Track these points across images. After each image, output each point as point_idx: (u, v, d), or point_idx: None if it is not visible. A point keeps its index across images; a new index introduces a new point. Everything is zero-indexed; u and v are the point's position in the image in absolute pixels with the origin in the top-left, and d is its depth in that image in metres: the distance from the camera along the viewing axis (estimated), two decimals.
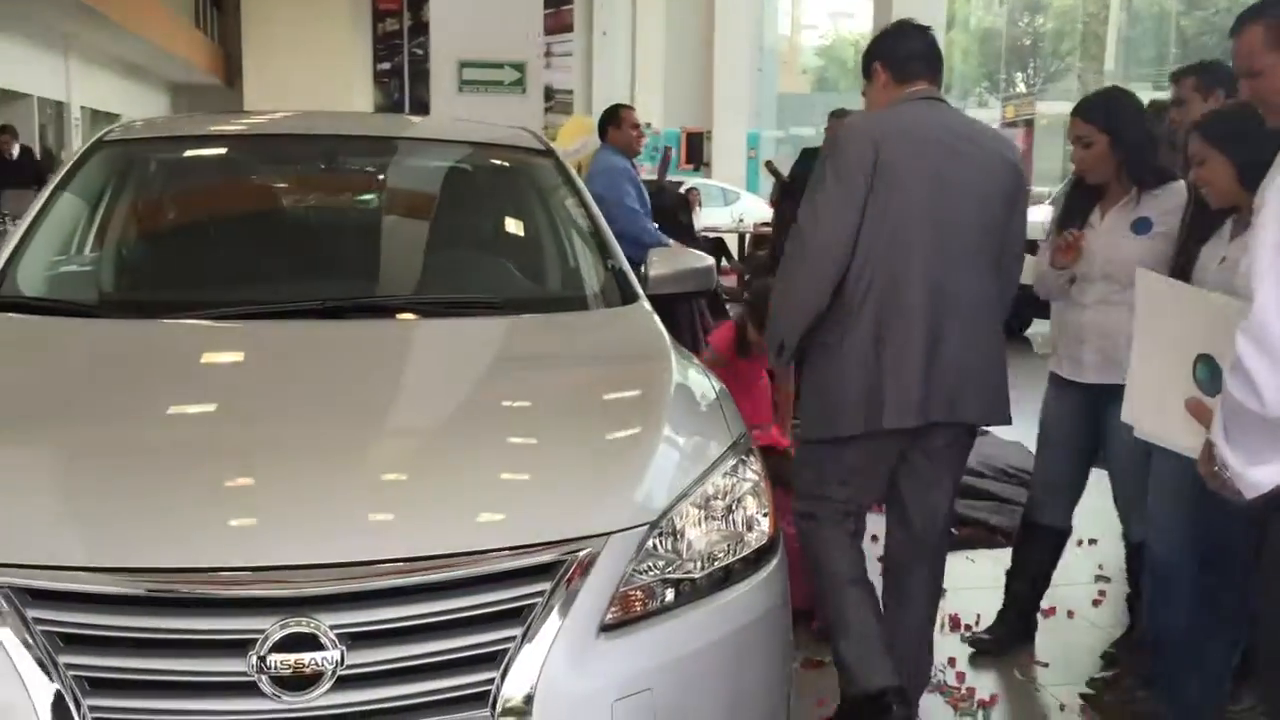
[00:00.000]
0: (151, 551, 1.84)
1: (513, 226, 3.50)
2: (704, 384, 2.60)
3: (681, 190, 13.84)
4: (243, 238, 3.25)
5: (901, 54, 3.09)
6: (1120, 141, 3.40)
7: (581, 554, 1.97)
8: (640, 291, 3.06)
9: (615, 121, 6.39)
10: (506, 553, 1.92)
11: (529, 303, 3.02)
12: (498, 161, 3.64)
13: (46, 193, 3.11)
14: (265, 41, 27.43)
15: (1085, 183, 3.55)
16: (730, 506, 2.26)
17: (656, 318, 2.93)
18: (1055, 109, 27.16)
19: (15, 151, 12.07)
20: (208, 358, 2.61)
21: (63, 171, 3.24)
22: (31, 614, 1.77)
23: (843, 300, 2.90)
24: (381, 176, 3.62)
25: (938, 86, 3.11)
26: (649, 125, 25.62)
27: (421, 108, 26.12)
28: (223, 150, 3.51)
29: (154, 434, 2.20)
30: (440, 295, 2.97)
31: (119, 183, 3.30)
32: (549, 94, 30.88)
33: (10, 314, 2.70)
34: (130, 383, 2.41)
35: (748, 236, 15.73)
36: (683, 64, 24.10)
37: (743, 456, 2.34)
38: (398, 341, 2.73)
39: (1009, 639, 3.88)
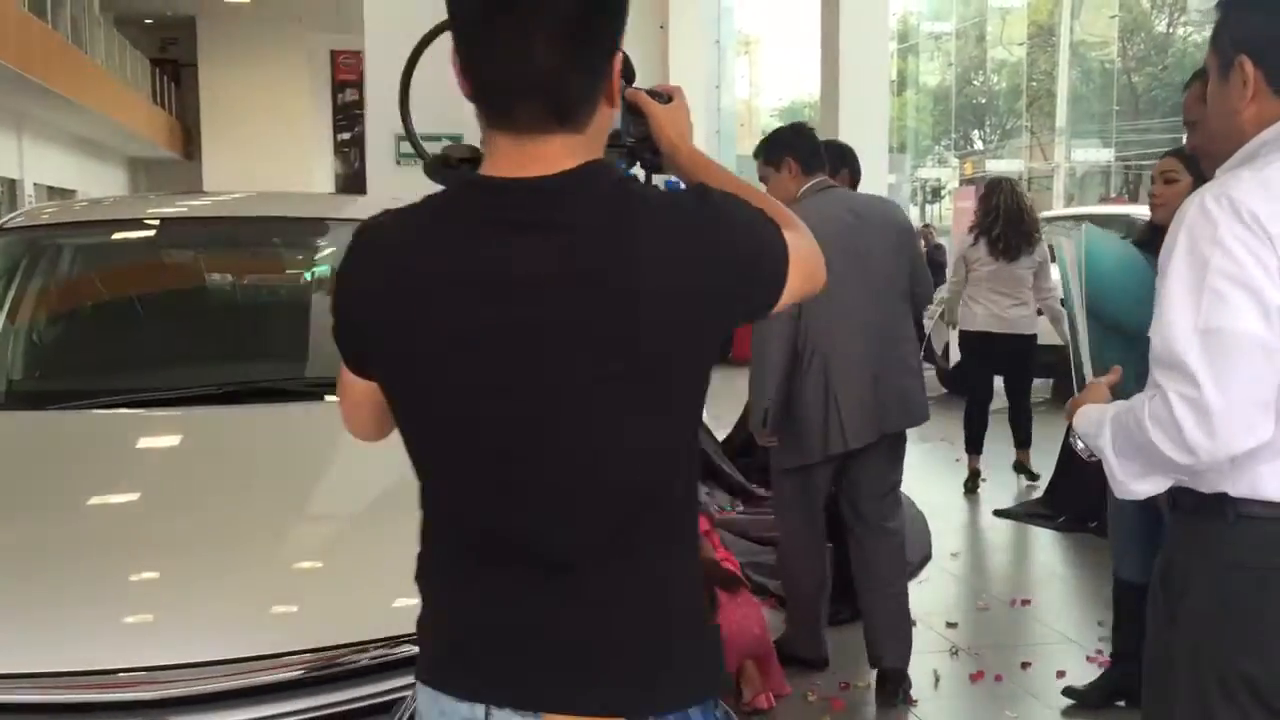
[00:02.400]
0: (31, 656, 1.81)
1: None
2: None
3: None
4: (140, 325, 3.23)
5: (808, 150, 3.74)
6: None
7: None
8: None
9: None
10: (380, 644, 1.89)
11: None
12: None
13: None
14: (223, 115, 27.57)
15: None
16: None
17: None
18: (1004, 166, 28.13)
19: None
20: (101, 449, 2.58)
21: None
22: None
23: (796, 359, 3.61)
24: (274, 259, 3.61)
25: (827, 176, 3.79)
26: None
27: None
28: (125, 235, 3.49)
29: (38, 530, 2.17)
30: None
31: (18, 270, 3.28)
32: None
33: None
34: (19, 477, 2.39)
35: None
36: None
37: None
38: (290, 425, 2.70)
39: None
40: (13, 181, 19.32)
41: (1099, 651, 4.12)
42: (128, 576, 2.03)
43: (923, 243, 13.76)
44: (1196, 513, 1.80)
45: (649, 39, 23.03)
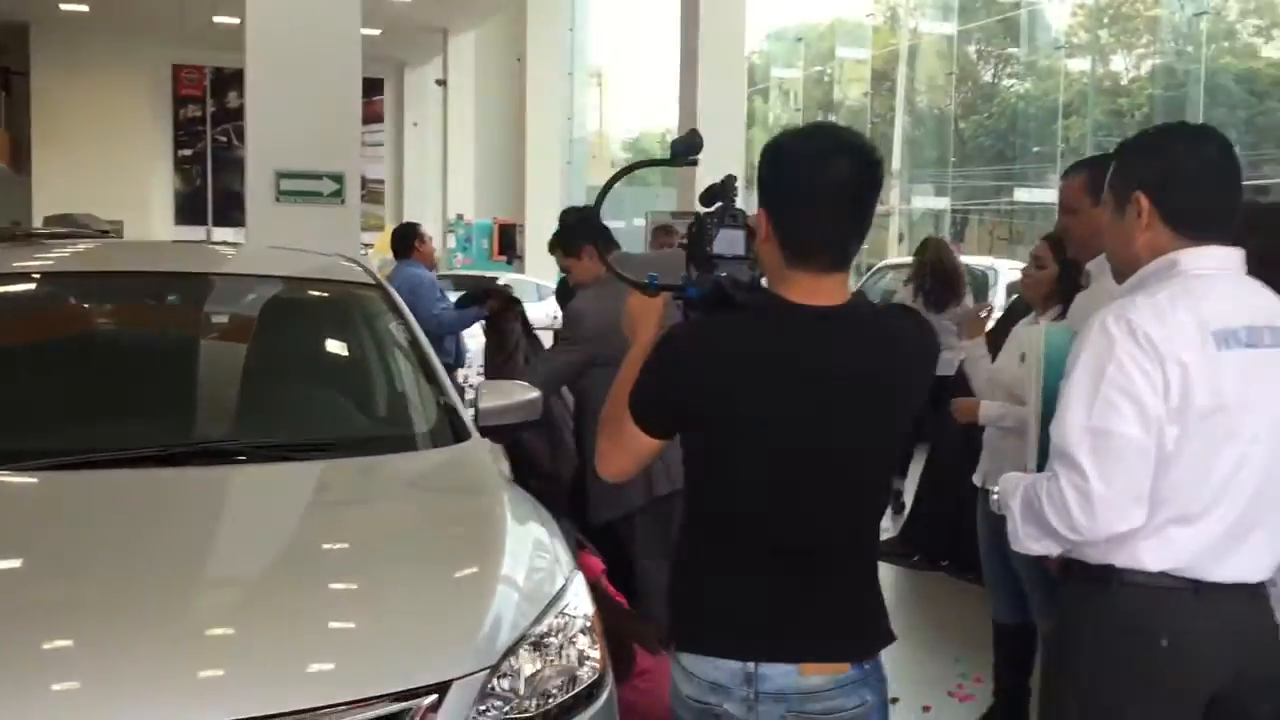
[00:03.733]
0: None
1: (343, 364, 3.58)
2: (538, 522, 2.74)
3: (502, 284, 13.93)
4: (60, 382, 3.20)
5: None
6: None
7: (426, 702, 2.08)
8: (472, 429, 3.18)
9: (419, 238, 6.94)
10: (346, 707, 2.01)
11: (361, 444, 3.09)
12: (324, 295, 3.72)
13: None
14: (57, 125, 26.39)
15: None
16: (563, 645, 2.40)
17: (488, 455, 3.06)
18: None
19: None
20: (24, 513, 2.59)
21: None
22: None
23: None
24: (207, 316, 3.63)
25: None
26: (460, 217, 25.82)
27: (229, 197, 25.58)
28: (35, 288, 3.46)
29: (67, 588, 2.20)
30: (269, 439, 3.01)
31: None
32: (361, 184, 30.85)
33: None
34: (30, 535, 2.41)
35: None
36: (494, 156, 24.43)
37: (575, 594, 2.49)
38: (224, 489, 2.75)
39: None
40: None
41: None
42: (41, 645, 2.06)
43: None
44: (1086, 581, 2.11)
45: (505, 74, 23.19)
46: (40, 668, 1.98)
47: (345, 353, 3.59)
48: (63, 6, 23.55)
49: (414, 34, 25.57)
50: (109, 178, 25.83)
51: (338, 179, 7.14)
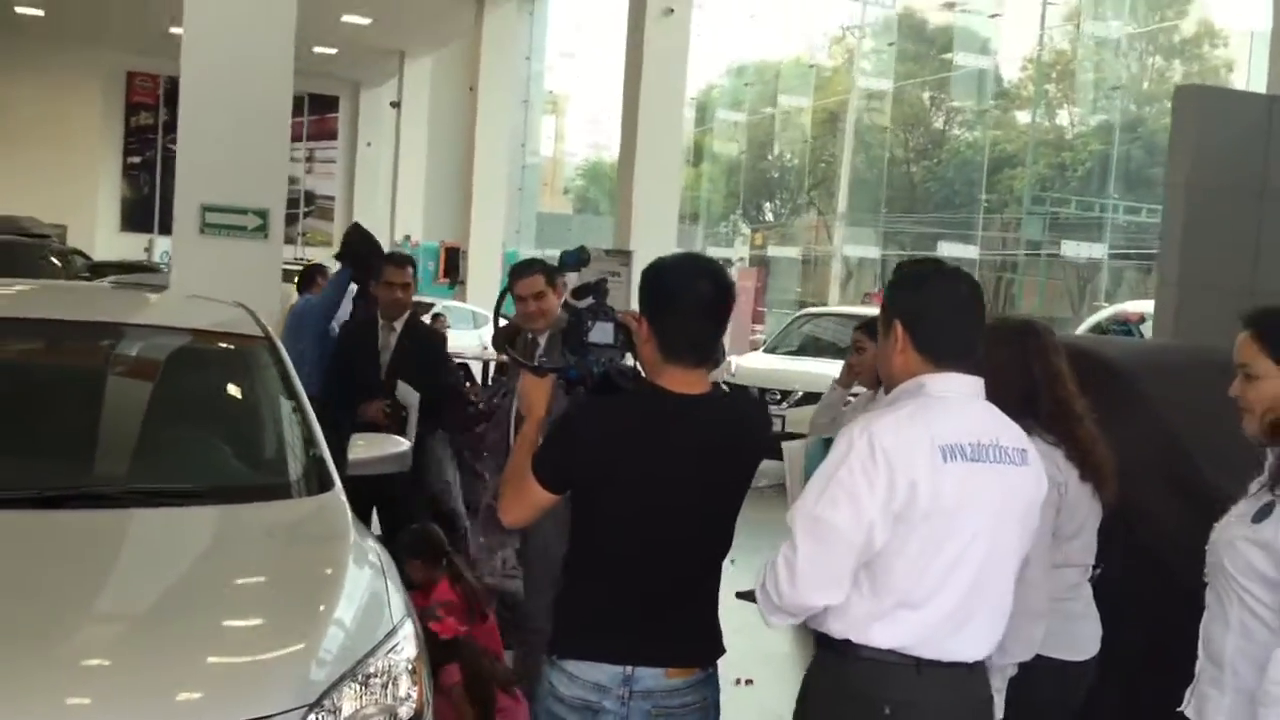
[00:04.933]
0: None
1: (224, 414, 3.80)
2: (375, 571, 2.99)
3: (431, 314, 14.11)
4: None
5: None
6: None
7: None
8: (335, 480, 3.42)
9: (323, 274, 7.37)
10: None
11: (231, 491, 3.30)
12: (215, 346, 3.94)
13: None
14: (5, 129, 26.28)
15: None
16: (386, 684, 2.68)
17: (345, 506, 3.31)
18: (784, 252, 30.23)
19: None
20: None
21: None
22: None
23: None
24: (100, 364, 3.81)
25: None
26: (408, 238, 25.98)
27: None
28: None
29: None
30: (145, 484, 3.22)
31: None
32: (309, 199, 30.95)
33: None
34: None
35: (492, 365, 16.01)
36: (443, 178, 24.62)
37: (401, 639, 2.77)
38: (95, 531, 2.93)
39: None
40: None
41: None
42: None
43: None
44: (827, 650, 2.43)
45: (459, 100, 23.44)
46: None
47: (228, 403, 3.81)
48: (17, 9, 23.52)
49: (371, 55, 25.84)
50: (56, 181, 25.78)
51: (262, 214, 7.37)
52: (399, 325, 5.52)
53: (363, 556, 3.04)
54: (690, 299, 2.56)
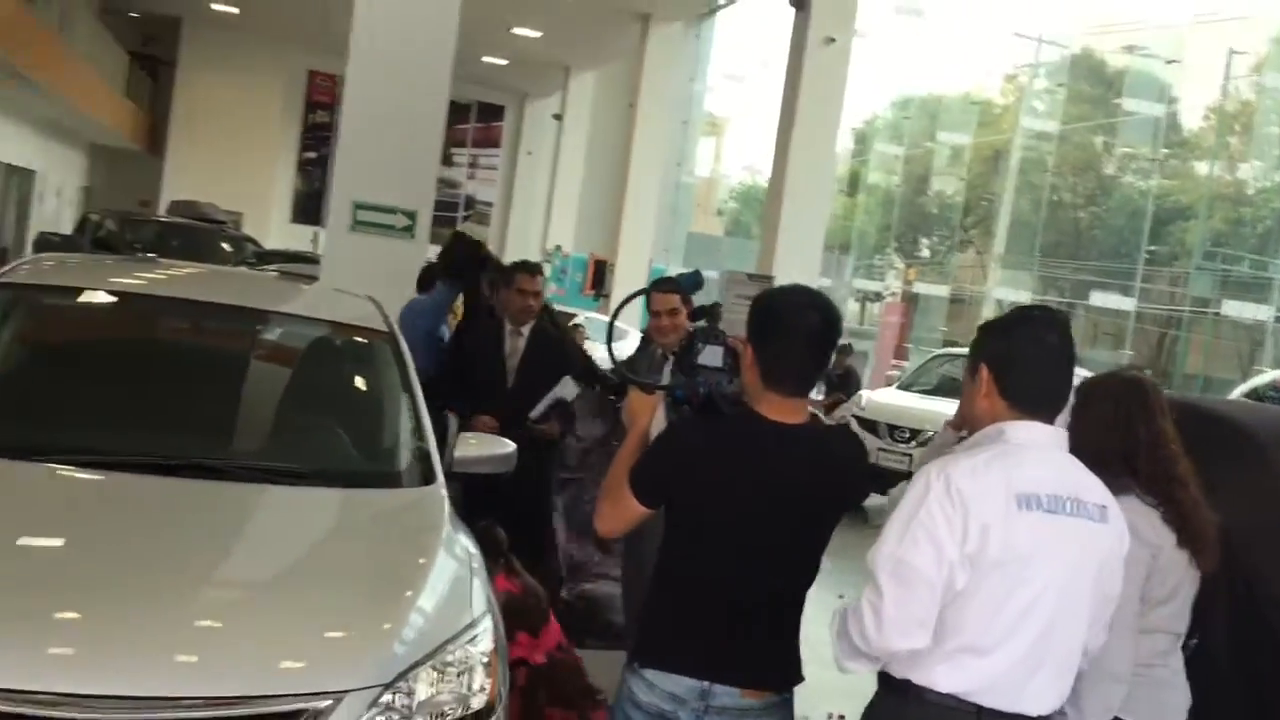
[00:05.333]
0: None
1: (345, 402, 4.00)
2: (460, 565, 3.11)
3: (570, 324, 14.36)
4: (100, 392, 3.66)
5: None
6: None
7: (321, 705, 2.49)
8: (439, 473, 3.57)
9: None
10: (249, 700, 2.41)
11: (340, 475, 3.50)
12: (342, 338, 4.15)
13: None
14: (194, 115, 27.80)
15: None
16: (461, 673, 2.79)
17: (444, 499, 3.44)
18: (931, 289, 29.66)
19: None
20: (53, 502, 3.01)
21: None
22: None
23: None
24: (232, 346, 4.07)
25: None
26: (559, 248, 26.46)
27: None
28: (97, 305, 3.94)
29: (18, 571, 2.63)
30: (260, 462, 3.46)
31: (3, 324, 3.74)
32: (469, 204, 31.84)
33: None
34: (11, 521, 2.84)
35: None
36: (597, 191, 25.01)
37: (480, 632, 2.88)
38: (217, 502, 3.16)
39: None
40: None
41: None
42: (52, 614, 2.50)
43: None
44: (890, 691, 2.43)
45: (619, 116, 23.78)
46: (44, 632, 2.42)
47: (348, 392, 4.01)
48: (214, 5, 24.88)
49: (538, 68, 26.44)
50: (235, 170, 27.11)
51: (411, 215, 7.66)
52: (525, 330, 5.67)
53: (452, 549, 3.16)
54: (795, 329, 2.63)
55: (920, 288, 30.55)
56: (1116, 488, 2.81)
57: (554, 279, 24.79)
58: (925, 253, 37.66)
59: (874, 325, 30.44)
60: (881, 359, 21.14)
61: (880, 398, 12.14)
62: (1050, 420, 2.45)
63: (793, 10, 15.12)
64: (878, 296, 36.35)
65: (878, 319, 29.77)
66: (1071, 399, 2.97)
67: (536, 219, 28.58)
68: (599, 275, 23.87)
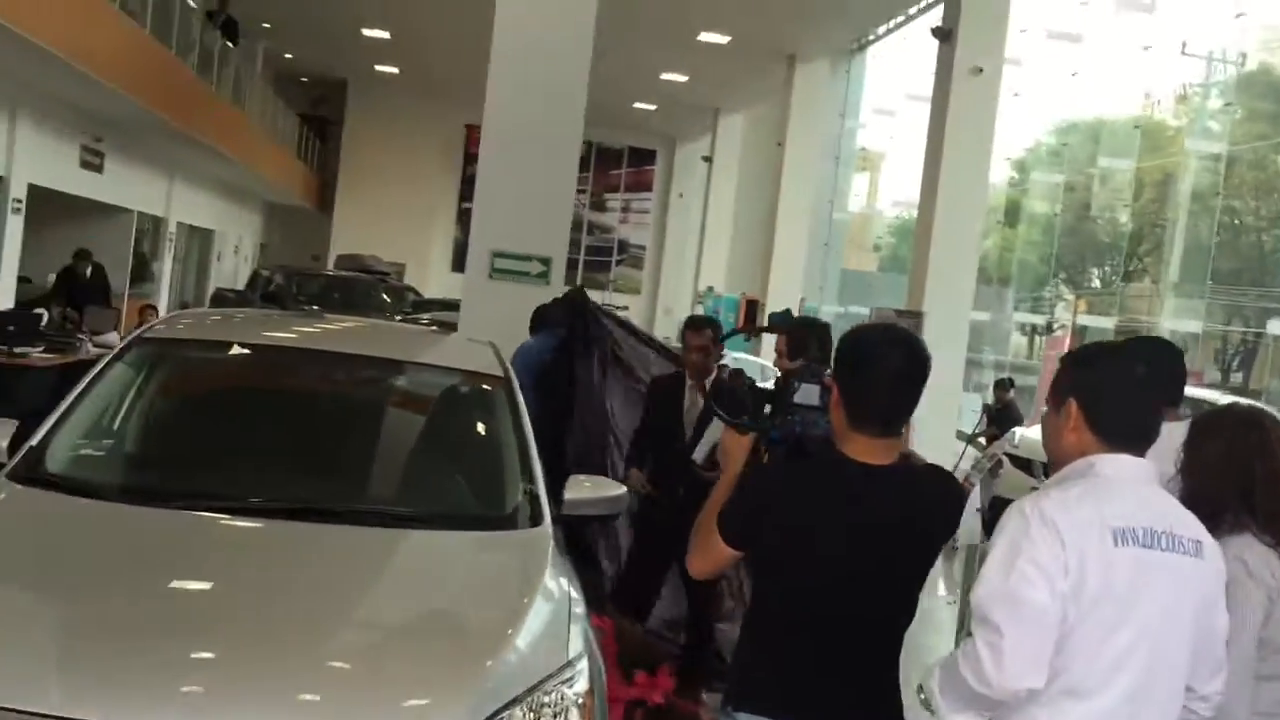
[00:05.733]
0: (102, 706, 2.40)
1: (458, 445, 4.10)
2: (558, 607, 3.13)
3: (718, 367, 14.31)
4: (233, 441, 3.86)
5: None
6: None
7: None
8: (545, 516, 3.62)
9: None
10: None
11: (450, 519, 3.58)
12: (458, 383, 4.28)
13: (86, 380, 3.80)
14: (359, 172, 29.13)
15: None
16: (556, 714, 2.81)
17: (549, 541, 3.49)
18: (1095, 322, 28.38)
19: (88, 271, 13.10)
20: (186, 546, 3.16)
21: (104, 361, 3.93)
22: None
23: None
24: (352, 392, 4.23)
25: None
26: (710, 289, 26.56)
27: None
28: (230, 358, 4.13)
29: (127, 608, 2.78)
30: (378, 507, 3.58)
31: (148, 377, 3.99)
32: (622, 248, 32.29)
33: (37, 489, 3.29)
34: (118, 563, 3.02)
35: None
36: (748, 232, 25.07)
37: (575, 674, 2.90)
38: (342, 546, 3.26)
39: None
40: (158, 220, 20.86)
41: None
42: (188, 654, 2.65)
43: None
44: None
45: (768, 156, 23.82)
46: (172, 673, 2.56)
47: (462, 436, 4.11)
48: (377, 67, 26.09)
49: (687, 111, 26.77)
50: (398, 223, 28.26)
51: (545, 261, 7.85)
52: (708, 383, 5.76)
53: (552, 591, 3.20)
54: (880, 368, 2.57)
55: (1085, 320, 29.40)
56: (1232, 527, 2.67)
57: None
58: (1095, 283, 36.28)
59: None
60: (1044, 394, 20.42)
61: (1034, 434, 11.72)
62: (1141, 454, 2.36)
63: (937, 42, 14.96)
64: (1047, 329, 35.18)
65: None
66: (1182, 436, 2.85)
67: (689, 261, 28.80)
68: (750, 316, 23.85)
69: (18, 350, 9.04)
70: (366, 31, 22.26)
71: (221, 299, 18.72)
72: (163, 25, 14.67)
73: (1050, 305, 34.17)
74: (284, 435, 3.96)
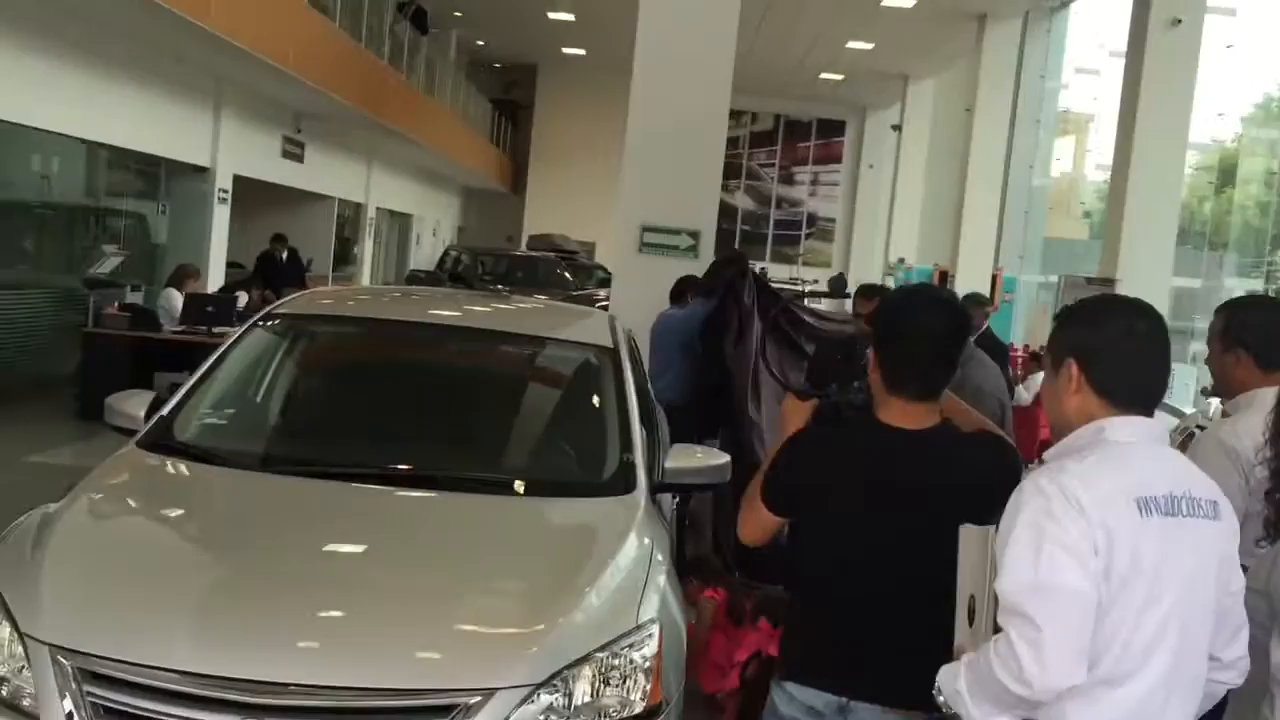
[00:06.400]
0: (194, 657, 2.58)
1: (560, 414, 4.19)
2: (635, 570, 3.14)
3: None
4: (346, 410, 4.09)
5: None
6: None
7: (472, 701, 2.64)
8: (641, 483, 3.64)
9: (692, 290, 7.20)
10: (401, 693, 2.59)
11: (543, 485, 3.67)
12: (565, 353, 4.36)
13: (216, 355, 4.04)
14: (550, 153, 29.76)
15: None
16: (625, 675, 2.86)
17: (639, 507, 3.52)
18: None
19: (284, 255, 13.88)
20: (307, 511, 3.36)
21: (233, 336, 4.19)
22: (89, 689, 2.57)
23: None
24: (474, 365, 4.36)
25: None
26: (902, 260, 25.94)
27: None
28: (354, 331, 4.37)
29: (251, 568, 3.01)
30: (485, 474, 3.71)
31: (275, 351, 4.22)
32: (811, 220, 31.89)
33: (165, 457, 3.55)
34: (241, 526, 3.27)
35: None
36: (939, 201, 24.37)
37: (643, 637, 2.93)
38: (424, 510, 3.43)
39: None
40: (358, 205, 21.90)
41: None
42: (308, 613, 2.82)
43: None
44: None
45: (957, 121, 23.07)
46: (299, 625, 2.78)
47: (564, 405, 4.19)
48: (564, 50, 26.56)
49: (876, 79, 26.14)
50: (588, 202, 28.73)
51: (694, 235, 7.85)
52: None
53: (632, 555, 3.24)
54: (915, 331, 2.54)
55: None
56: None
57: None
58: None
59: None
60: None
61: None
62: (1150, 413, 2.17)
63: None
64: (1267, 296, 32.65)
65: None
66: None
67: (880, 233, 28.21)
68: (943, 285, 23.15)
69: (216, 330, 9.69)
70: (552, 15, 22.66)
71: (414, 278, 19.52)
72: (353, 19, 15.37)
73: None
74: (400, 406, 4.13)
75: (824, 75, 26.29)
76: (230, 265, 14.92)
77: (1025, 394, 13.31)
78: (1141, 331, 2.20)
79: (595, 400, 4.09)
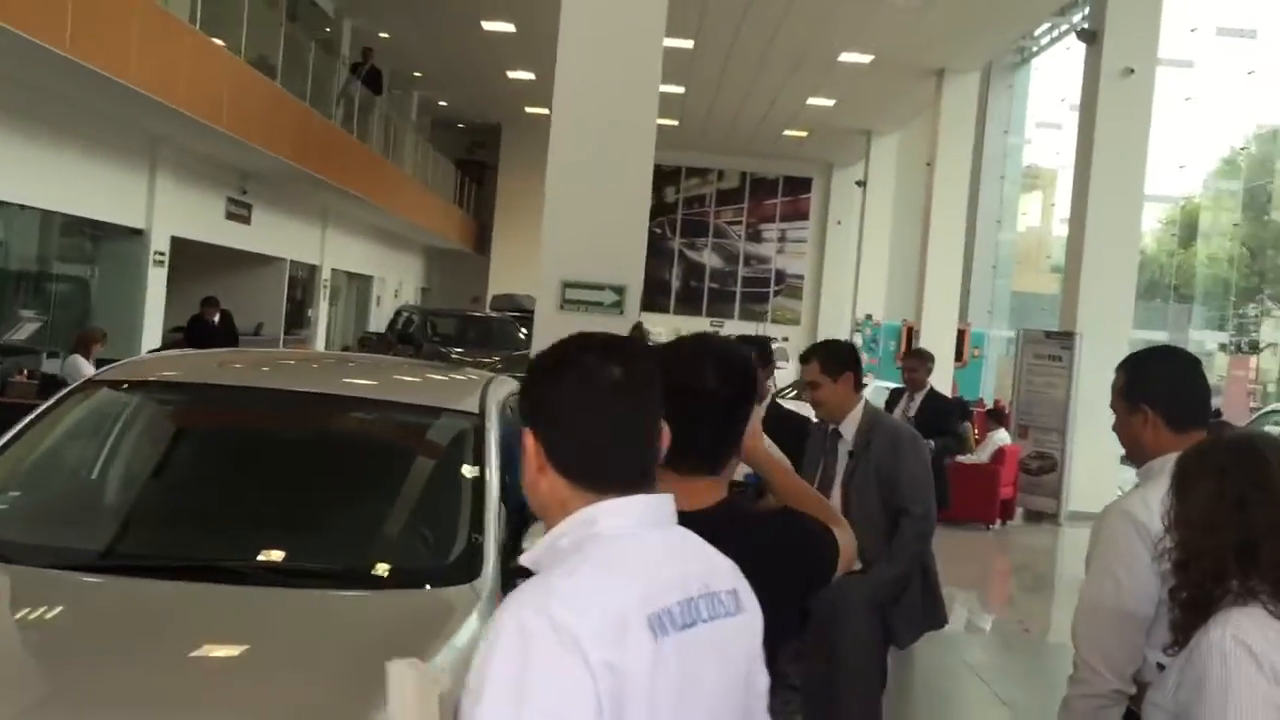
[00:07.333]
0: None
1: (411, 493, 3.70)
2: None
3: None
4: (153, 490, 3.65)
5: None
6: None
7: None
8: (488, 570, 3.17)
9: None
10: None
11: (360, 577, 3.20)
12: (427, 422, 3.87)
13: (20, 426, 3.60)
14: (513, 213, 29.53)
15: None
16: None
17: (483, 598, 3.05)
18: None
19: (216, 319, 13.43)
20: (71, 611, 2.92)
21: (41, 407, 3.68)
22: None
23: None
24: (315, 436, 3.86)
25: None
26: (869, 317, 25.70)
27: (656, 285, 27.20)
28: (174, 399, 3.90)
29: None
30: (296, 564, 3.27)
31: (97, 424, 3.78)
32: (779, 277, 31.68)
33: None
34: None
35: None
36: (904, 256, 24.24)
37: None
38: (223, 609, 2.95)
39: None
40: (313, 267, 21.51)
41: None
42: None
43: None
44: None
45: (920, 175, 22.95)
46: None
47: (412, 481, 3.74)
48: (527, 109, 26.42)
49: (840, 136, 26.09)
50: None
51: (619, 290, 7.49)
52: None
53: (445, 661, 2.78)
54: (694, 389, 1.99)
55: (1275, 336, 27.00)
56: (1239, 595, 2.05)
57: (865, 348, 24.07)
58: None
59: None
60: (1231, 416, 18.77)
61: None
62: (643, 488, 1.60)
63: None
64: (1237, 349, 32.70)
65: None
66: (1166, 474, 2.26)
67: (847, 289, 28.03)
68: (913, 342, 22.91)
69: None
70: (511, 74, 22.52)
71: (365, 342, 19.14)
72: (300, 78, 15.09)
73: (1255, 324, 31.63)
74: (215, 485, 3.64)
75: (787, 132, 26.23)
76: (174, 330, 14.48)
77: (982, 453, 12.98)
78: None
79: (449, 473, 3.65)
